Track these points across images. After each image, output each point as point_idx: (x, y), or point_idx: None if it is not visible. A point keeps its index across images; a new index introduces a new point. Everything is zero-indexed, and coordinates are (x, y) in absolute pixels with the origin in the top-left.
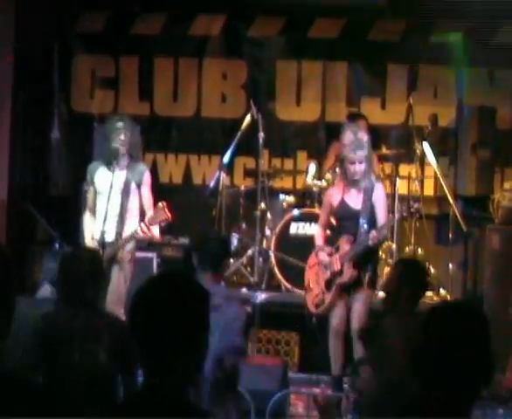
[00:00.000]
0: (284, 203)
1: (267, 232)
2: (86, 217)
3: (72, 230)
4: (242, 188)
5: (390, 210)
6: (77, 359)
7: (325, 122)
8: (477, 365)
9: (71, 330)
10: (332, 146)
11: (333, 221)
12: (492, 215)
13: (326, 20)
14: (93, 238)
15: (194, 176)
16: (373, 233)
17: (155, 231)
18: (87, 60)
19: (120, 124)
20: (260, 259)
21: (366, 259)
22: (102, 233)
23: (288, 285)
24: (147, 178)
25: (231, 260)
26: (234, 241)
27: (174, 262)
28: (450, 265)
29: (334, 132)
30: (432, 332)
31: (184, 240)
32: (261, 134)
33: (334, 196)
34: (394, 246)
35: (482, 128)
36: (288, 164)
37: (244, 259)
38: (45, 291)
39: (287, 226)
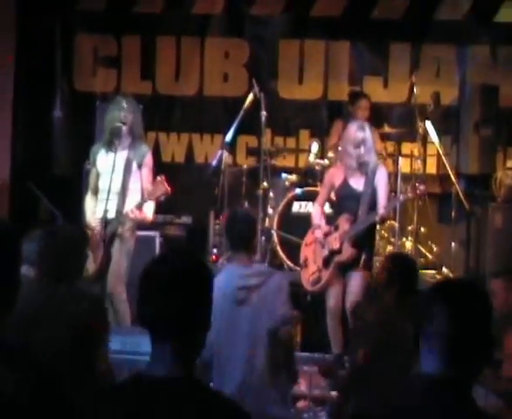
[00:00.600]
0: (286, 182)
1: (270, 211)
2: (88, 198)
3: (74, 209)
4: (244, 166)
5: (394, 190)
6: (45, 337)
7: (327, 101)
8: (479, 342)
9: (44, 307)
10: (335, 124)
11: (333, 198)
12: (494, 193)
13: None
14: (95, 217)
15: (196, 155)
16: (380, 210)
17: (148, 212)
18: (89, 39)
19: (123, 104)
20: (263, 238)
21: (365, 240)
22: (105, 212)
23: (291, 264)
24: (148, 160)
25: None
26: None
27: (176, 241)
28: (452, 244)
29: (336, 110)
30: (434, 309)
31: (186, 219)
32: (264, 113)
33: (336, 176)
34: (397, 225)
35: (485, 107)
36: (291, 143)
37: None
38: (24, 270)
39: (289, 205)
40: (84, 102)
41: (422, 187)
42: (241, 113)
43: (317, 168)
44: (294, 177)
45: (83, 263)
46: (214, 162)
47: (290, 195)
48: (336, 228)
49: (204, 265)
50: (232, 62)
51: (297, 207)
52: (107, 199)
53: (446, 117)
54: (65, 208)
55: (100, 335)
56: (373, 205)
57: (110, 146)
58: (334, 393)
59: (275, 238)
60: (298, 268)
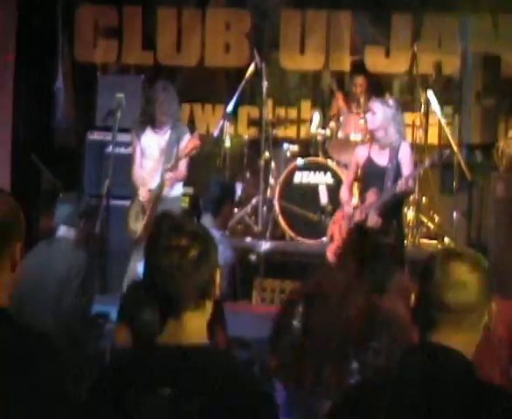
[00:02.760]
0: (288, 152)
1: (271, 181)
2: (136, 171)
3: (76, 180)
4: (246, 137)
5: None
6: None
7: (329, 71)
8: (476, 312)
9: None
10: (335, 95)
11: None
12: (496, 163)
13: None
14: (145, 189)
15: (198, 126)
16: (401, 181)
17: (182, 168)
18: (90, 10)
19: (162, 95)
20: (264, 208)
21: (393, 212)
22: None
23: (292, 234)
24: (185, 140)
25: (236, 209)
26: (238, 190)
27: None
28: (454, 214)
29: (338, 81)
30: (430, 277)
31: (188, 189)
32: (265, 84)
33: (360, 154)
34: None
35: (486, 77)
36: (292, 113)
37: (248, 208)
38: (63, 232)
39: (291, 175)
40: (85, 73)
41: (447, 151)
42: (242, 83)
43: (319, 138)
44: (295, 147)
45: None
46: (216, 133)
47: (292, 165)
48: (363, 202)
49: (212, 237)
50: (234, 33)
51: (299, 177)
52: (151, 176)
53: (447, 87)
54: (67, 179)
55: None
56: (398, 179)
57: (153, 125)
58: None
59: (277, 209)
60: (300, 238)
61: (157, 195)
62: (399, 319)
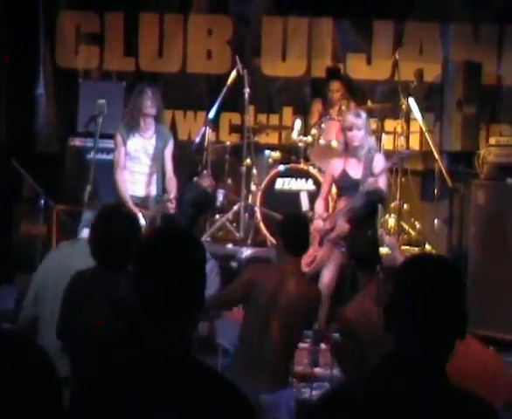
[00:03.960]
0: (270, 159)
1: (253, 188)
2: (119, 175)
3: (58, 186)
4: (228, 143)
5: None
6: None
7: (311, 78)
8: (452, 319)
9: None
10: (314, 103)
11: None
12: (477, 170)
13: None
14: (128, 194)
15: (180, 132)
16: (367, 182)
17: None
18: (72, 16)
19: (148, 90)
20: (246, 215)
21: (366, 220)
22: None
23: (274, 241)
24: (171, 144)
25: (217, 216)
26: (220, 196)
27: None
28: (435, 221)
29: (319, 87)
30: (403, 284)
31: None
32: (247, 90)
33: (336, 167)
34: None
35: (468, 84)
36: (274, 120)
37: (229, 215)
38: (85, 234)
39: (272, 182)
40: (67, 79)
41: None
42: (224, 89)
43: (300, 144)
44: (277, 154)
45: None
46: (197, 139)
47: (273, 171)
48: (333, 211)
49: (201, 243)
50: (216, 39)
51: (280, 183)
52: (137, 181)
53: (429, 94)
54: (48, 185)
55: None
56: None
57: (138, 129)
58: (316, 369)
59: (258, 215)
60: None
61: (154, 216)
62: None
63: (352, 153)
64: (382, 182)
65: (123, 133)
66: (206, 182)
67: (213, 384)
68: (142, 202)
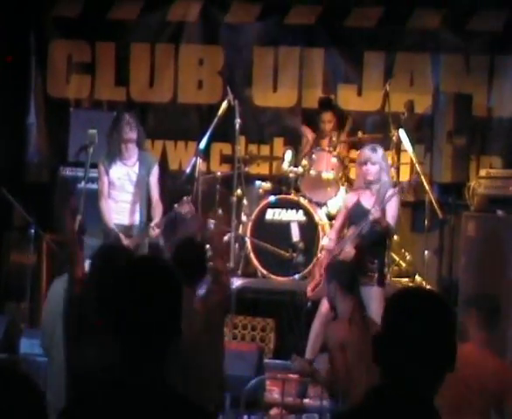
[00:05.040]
0: (260, 189)
1: (243, 218)
2: (103, 203)
3: (48, 215)
4: (218, 174)
5: None
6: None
7: (302, 108)
8: (440, 352)
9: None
10: (305, 133)
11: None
12: (467, 202)
13: (303, 6)
14: (112, 223)
15: (170, 162)
16: (374, 209)
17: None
18: (64, 45)
19: (126, 116)
20: (236, 245)
21: (375, 250)
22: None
23: (264, 272)
24: (155, 170)
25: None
26: (210, 226)
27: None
28: (426, 252)
29: (310, 118)
30: (393, 317)
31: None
32: (238, 120)
33: (350, 199)
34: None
35: (458, 116)
36: (265, 150)
37: None
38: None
39: (263, 212)
40: (58, 109)
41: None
42: (215, 120)
43: (291, 175)
44: (267, 185)
45: None
46: (188, 169)
47: (264, 202)
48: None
49: (175, 273)
50: (207, 69)
51: (271, 214)
52: (121, 209)
53: (419, 125)
54: (38, 214)
55: None
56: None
57: (120, 157)
58: (306, 400)
59: (249, 246)
60: (271, 276)
61: (138, 244)
62: None
63: (366, 186)
64: (391, 217)
65: (105, 162)
66: (186, 208)
67: (185, 411)
68: (127, 231)
